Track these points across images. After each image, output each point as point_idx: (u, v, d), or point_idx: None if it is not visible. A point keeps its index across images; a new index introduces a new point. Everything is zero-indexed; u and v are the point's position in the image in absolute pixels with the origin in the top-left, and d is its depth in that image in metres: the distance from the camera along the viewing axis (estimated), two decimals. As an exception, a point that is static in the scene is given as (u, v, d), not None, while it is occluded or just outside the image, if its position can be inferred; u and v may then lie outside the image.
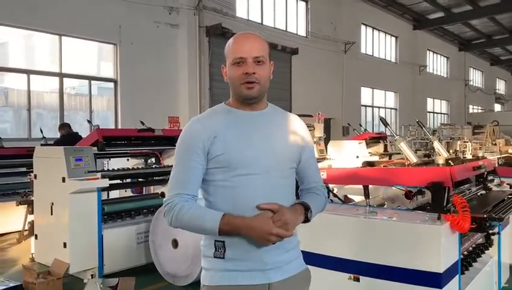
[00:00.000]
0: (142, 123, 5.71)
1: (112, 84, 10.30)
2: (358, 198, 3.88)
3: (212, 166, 1.61)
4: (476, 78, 30.77)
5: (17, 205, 5.40)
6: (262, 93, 1.68)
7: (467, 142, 8.34)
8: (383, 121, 4.03)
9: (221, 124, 1.62)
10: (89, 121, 7.77)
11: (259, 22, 13.76)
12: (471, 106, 29.59)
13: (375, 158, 7.62)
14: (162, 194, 5.36)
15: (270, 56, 1.70)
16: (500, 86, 34.78)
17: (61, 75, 9.40)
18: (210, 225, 1.53)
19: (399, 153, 5.89)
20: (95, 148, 4.75)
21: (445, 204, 2.78)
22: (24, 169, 6.58)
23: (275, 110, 1.78)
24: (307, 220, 1.66)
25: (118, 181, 5.04)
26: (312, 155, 1.83)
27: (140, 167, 5.43)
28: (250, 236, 1.54)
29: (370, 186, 3.43)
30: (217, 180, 1.61)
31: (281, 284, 1.62)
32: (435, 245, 2.52)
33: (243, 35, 1.69)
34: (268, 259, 1.60)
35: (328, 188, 3.70)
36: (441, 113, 26.68)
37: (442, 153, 3.94)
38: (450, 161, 3.30)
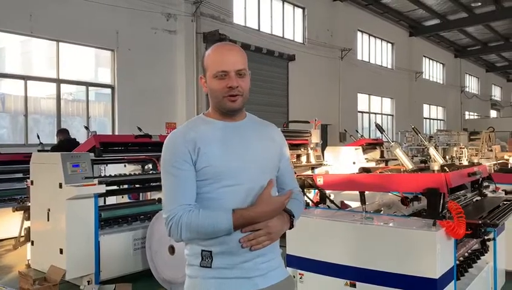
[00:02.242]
0: (139, 129, 5.72)
1: (109, 90, 10.31)
2: (355, 204, 3.90)
3: (198, 179, 1.60)
4: (471, 84, 30.97)
5: (14, 211, 5.40)
6: (244, 105, 1.69)
7: (463, 148, 8.39)
8: (379, 127, 4.06)
9: (203, 137, 1.62)
10: (86, 127, 7.77)
11: (257, 28, 13.82)
12: (467, 112, 29.75)
13: (372, 164, 7.67)
14: (159, 200, 5.36)
15: (248, 66, 1.70)
16: (496, 93, 35.00)
17: (59, 81, 9.41)
18: (224, 225, 1.53)
19: (395, 159, 5.94)
20: (92, 154, 4.75)
21: (440, 210, 2.80)
22: (21, 175, 6.56)
23: (254, 120, 1.78)
24: (291, 226, 1.69)
25: (115, 187, 5.05)
26: (289, 162, 1.86)
27: (137, 173, 5.43)
28: (266, 218, 1.57)
29: (367, 192, 3.44)
30: (202, 193, 1.61)
31: None
32: (430, 251, 2.54)
33: (224, 47, 1.69)
34: (254, 266, 1.62)
35: (324, 194, 3.72)
36: (437, 120, 26.81)
37: (437, 160, 3.96)
38: (445, 167, 3.33)
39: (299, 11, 15.68)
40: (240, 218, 1.54)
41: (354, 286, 2.80)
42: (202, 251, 1.61)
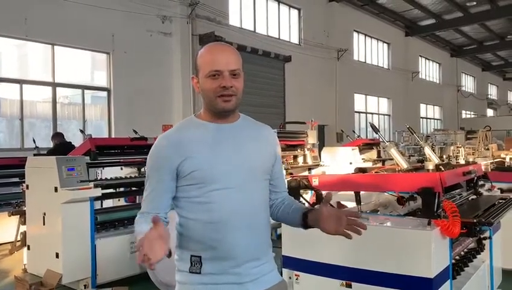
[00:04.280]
0: (135, 132, 5.71)
1: (105, 93, 10.30)
2: (351, 204, 3.89)
3: (185, 183, 1.58)
4: (468, 83, 31.05)
5: (10, 216, 5.37)
6: (238, 106, 1.65)
7: (460, 147, 8.39)
8: (373, 127, 4.06)
9: (193, 140, 1.59)
10: (82, 131, 7.75)
11: (252, 29, 13.84)
12: (463, 112, 29.82)
13: (369, 164, 7.67)
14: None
15: (242, 67, 1.67)
16: (492, 92, 35.10)
17: (54, 85, 9.39)
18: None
19: (392, 159, 5.95)
20: (88, 157, 4.74)
21: (435, 209, 2.79)
22: (16, 179, 6.54)
23: (247, 122, 1.74)
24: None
25: (111, 190, 5.03)
26: (281, 166, 1.86)
27: (133, 175, 5.42)
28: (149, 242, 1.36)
29: (363, 192, 3.44)
30: (192, 196, 1.58)
31: None
32: (425, 250, 2.53)
33: (217, 46, 1.66)
34: (245, 272, 1.59)
35: (320, 194, 3.72)
36: (434, 119, 26.87)
37: (432, 159, 3.97)
38: (440, 167, 3.33)
39: (294, 12, 15.70)
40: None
41: (349, 286, 2.79)
42: (191, 256, 1.58)
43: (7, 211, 5.51)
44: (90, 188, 4.35)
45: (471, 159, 6.79)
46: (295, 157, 7.41)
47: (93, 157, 4.80)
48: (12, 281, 4.62)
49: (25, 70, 9.32)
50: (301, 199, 3.67)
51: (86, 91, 10.10)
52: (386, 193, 3.81)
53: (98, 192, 4.40)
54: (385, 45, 21.29)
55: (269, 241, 1.73)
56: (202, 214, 1.57)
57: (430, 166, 3.28)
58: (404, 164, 3.49)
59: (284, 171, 1.96)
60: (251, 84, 11.93)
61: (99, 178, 5.38)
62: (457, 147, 8.47)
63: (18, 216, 5.31)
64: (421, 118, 24.97)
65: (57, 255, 4.25)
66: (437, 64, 26.71)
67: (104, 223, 4.75)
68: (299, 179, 3.61)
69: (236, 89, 1.61)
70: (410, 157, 8.15)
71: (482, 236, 3.37)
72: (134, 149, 5.38)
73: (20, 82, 8.90)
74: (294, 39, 15.61)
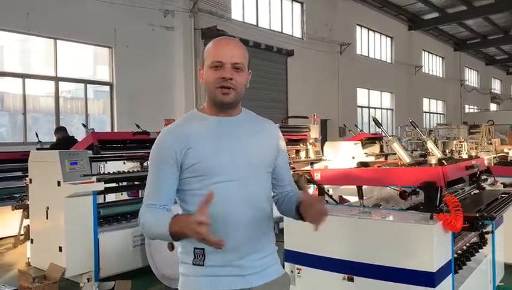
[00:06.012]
0: (138, 126, 5.71)
1: (107, 88, 10.31)
2: (354, 199, 3.89)
3: (188, 175, 1.59)
4: (471, 78, 30.92)
5: (13, 210, 5.40)
6: (238, 100, 1.66)
7: (463, 141, 8.38)
8: (376, 121, 4.05)
9: (195, 133, 1.60)
10: (84, 125, 7.77)
11: (255, 23, 13.79)
12: (467, 106, 29.73)
13: (371, 159, 7.66)
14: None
15: (249, 65, 1.68)
16: (496, 86, 34.96)
17: (57, 79, 9.40)
18: (163, 228, 1.47)
19: (395, 154, 5.93)
20: (90, 151, 4.74)
21: (438, 204, 2.79)
22: (20, 173, 6.56)
23: (249, 116, 1.76)
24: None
25: (114, 184, 5.04)
26: (286, 159, 1.84)
27: (136, 170, 5.43)
28: (191, 229, 1.39)
29: (366, 186, 3.44)
30: (194, 189, 1.60)
31: (261, 288, 1.62)
32: (427, 244, 2.53)
33: (224, 40, 1.68)
34: (248, 264, 1.60)
35: (322, 188, 3.72)
36: (437, 113, 26.79)
37: (435, 153, 3.96)
38: (442, 161, 3.32)
39: (297, 6, 15.64)
40: (173, 223, 1.45)
41: (351, 280, 2.80)
42: (195, 248, 1.59)
43: (10, 205, 5.54)
44: (93, 182, 4.34)
45: (474, 154, 6.77)
46: (297, 151, 7.41)
47: (96, 152, 4.80)
48: (16, 275, 4.64)
49: (28, 64, 9.33)
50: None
51: (88, 85, 10.11)
52: (388, 187, 3.81)
53: (101, 186, 4.40)
54: (388, 38, 21.19)
55: (272, 234, 1.74)
56: None
57: (433, 160, 3.26)
58: (406, 158, 3.49)
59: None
60: (253, 79, 11.55)
61: (102, 172, 5.40)
62: (460, 141, 8.47)
63: (21, 210, 5.33)
64: (424, 112, 24.91)
65: (60, 249, 4.25)
66: (440, 59, 26.59)
67: (107, 217, 4.76)
68: (301, 173, 3.62)
69: (237, 82, 1.61)
70: (412, 152, 8.16)
71: (484, 230, 3.36)
72: (137, 143, 5.38)
73: (23, 76, 8.91)
74: (297, 33, 15.56)
